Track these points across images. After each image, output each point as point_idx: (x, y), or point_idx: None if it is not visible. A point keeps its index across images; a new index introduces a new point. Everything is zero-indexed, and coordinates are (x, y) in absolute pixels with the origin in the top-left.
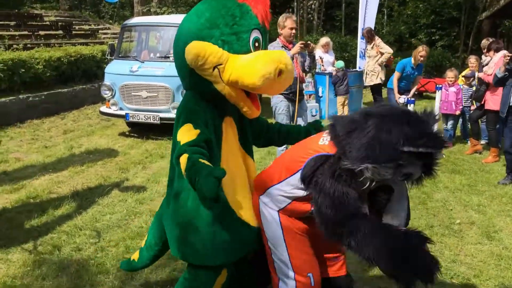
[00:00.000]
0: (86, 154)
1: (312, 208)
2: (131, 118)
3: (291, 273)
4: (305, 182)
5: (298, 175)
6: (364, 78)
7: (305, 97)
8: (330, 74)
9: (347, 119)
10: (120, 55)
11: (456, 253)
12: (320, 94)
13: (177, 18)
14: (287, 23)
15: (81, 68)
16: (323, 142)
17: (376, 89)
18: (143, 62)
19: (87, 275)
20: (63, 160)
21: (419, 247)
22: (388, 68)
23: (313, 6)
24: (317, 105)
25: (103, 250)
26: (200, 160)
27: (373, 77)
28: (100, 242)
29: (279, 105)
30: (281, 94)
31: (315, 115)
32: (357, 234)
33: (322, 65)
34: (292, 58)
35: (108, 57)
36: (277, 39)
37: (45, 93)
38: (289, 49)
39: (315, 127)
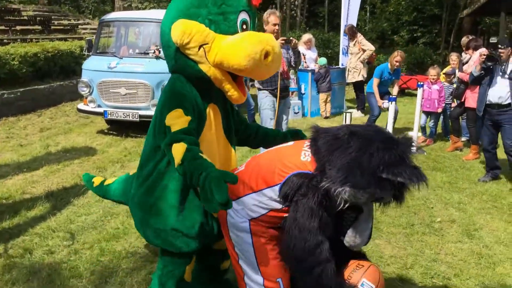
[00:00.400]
0: (63, 153)
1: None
2: (109, 115)
3: (260, 279)
4: (285, 200)
5: (276, 188)
6: (346, 75)
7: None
8: (312, 71)
9: (330, 135)
10: (98, 51)
11: (437, 252)
12: (302, 91)
13: (158, 14)
14: (270, 19)
15: (59, 64)
16: (305, 159)
17: (358, 86)
18: (122, 58)
19: (59, 279)
20: (38, 159)
21: None
22: (370, 65)
23: (296, 2)
24: (300, 102)
25: (77, 253)
26: (201, 155)
27: (355, 74)
28: (74, 245)
29: (264, 100)
30: (266, 89)
31: (298, 112)
32: (312, 272)
33: (305, 62)
34: None
35: (86, 53)
36: None
37: (21, 89)
38: None
39: (293, 136)
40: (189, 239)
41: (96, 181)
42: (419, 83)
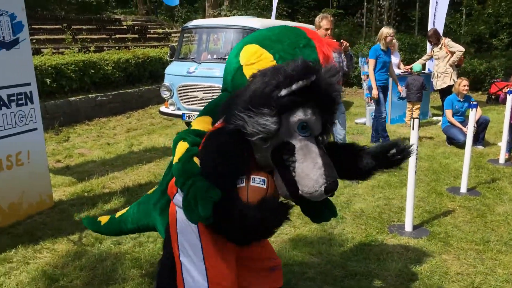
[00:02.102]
0: (143, 152)
1: None
2: (187, 118)
3: (205, 285)
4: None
5: None
6: (434, 82)
7: (366, 99)
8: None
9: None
10: (180, 57)
11: (511, 272)
12: None
13: (237, 20)
14: (322, 23)
15: (148, 70)
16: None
17: (446, 92)
18: (200, 64)
19: (121, 269)
20: (121, 157)
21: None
22: (459, 68)
23: (384, 6)
24: None
25: (141, 246)
26: (195, 158)
27: (446, 78)
28: (139, 238)
29: None
30: None
31: None
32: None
33: None
34: None
35: (169, 59)
36: None
37: (113, 93)
38: None
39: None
40: None
41: (103, 219)
42: (509, 89)
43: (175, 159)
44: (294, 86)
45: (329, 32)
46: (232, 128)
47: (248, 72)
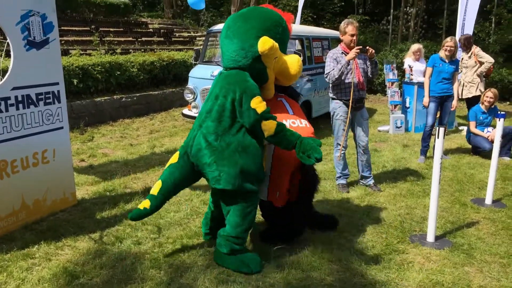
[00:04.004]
0: (165, 153)
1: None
2: None
3: None
4: None
5: None
6: (460, 91)
7: (390, 107)
8: (419, 84)
9: None
10: (204, 60)
11: None
12: (407, 105)
13: None
14: (348, 29)
15: (172, 72)
16: None
17: (472, 102)
18: None
19: (140, 269)
20: (143, 158)
21: None
22: (486, 79)
23: (410, 13)
24: (403, 116)
25: (160, 246)
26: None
27: (472, 88)
28: (159, 238)
29: (338, 110)
30: (341, 99)
31: (400, 126)
32: None
33: (411, 74)
34: (348, 64)
35: (194, 62)
36: (339, 45)
37: (137, 94)
38: None
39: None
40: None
41: (145, 203)
42: None
43: (270, 133)
44: None
45: (354, 38)
46: None
47: (265, 59)
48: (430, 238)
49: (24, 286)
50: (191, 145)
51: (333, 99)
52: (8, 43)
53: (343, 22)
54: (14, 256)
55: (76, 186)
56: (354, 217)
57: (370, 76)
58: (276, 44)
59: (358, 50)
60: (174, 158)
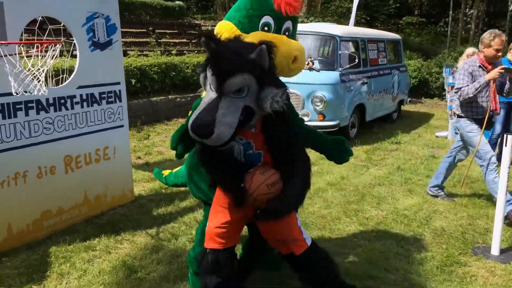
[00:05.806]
0: None
1: None
2: None
3: None
4: None
5: None
6: None
7: (449, 112)
8: None
9: None
10: None
11: None
12: None
13: (316, 27)
14: (494, 42)
15: None
16: None
17: None
18: None
19: None
20: None
21: None
22: None
23: (470, 15)
24: None
25: None
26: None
27: None
28: None
29: (471, 127)
30: (472, 118)
31: None
32: None
33: None
34: (487, 84)
35: None
36: (475, 56)
37: (191, 95)
38: (488, 71)
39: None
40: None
41: (165, 172)
42: None
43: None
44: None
45: (499, 53)
46: None
47: None
48: (495, 251)
49: (86, 277)
50: None
51: (460, 116)
52: (74, 44)
53: (488, 33)
54: (77, 247)
55: (133, 183)
56: (412, 225)
57: (505, 93)
58: (226, 26)
59: (503, 70)
60: None
